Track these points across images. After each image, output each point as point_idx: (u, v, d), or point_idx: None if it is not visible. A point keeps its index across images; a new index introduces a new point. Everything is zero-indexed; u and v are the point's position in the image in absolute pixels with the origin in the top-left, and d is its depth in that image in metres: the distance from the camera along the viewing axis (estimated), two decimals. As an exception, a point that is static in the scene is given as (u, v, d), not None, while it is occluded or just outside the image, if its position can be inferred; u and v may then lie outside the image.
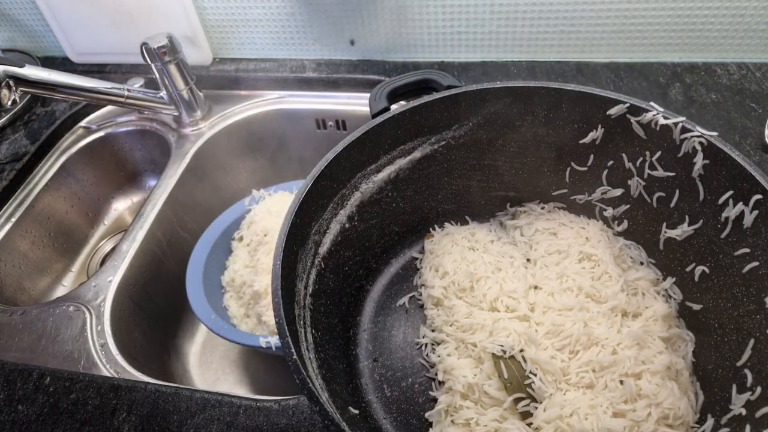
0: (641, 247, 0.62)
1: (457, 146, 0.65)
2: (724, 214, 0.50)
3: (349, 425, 0.41)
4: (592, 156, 0.61)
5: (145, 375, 0.61)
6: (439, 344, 0.59)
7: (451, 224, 0.72)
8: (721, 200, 0.50)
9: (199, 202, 0.92)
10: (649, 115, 0.54)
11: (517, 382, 0.51)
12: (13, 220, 0.85)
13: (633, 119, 0.55)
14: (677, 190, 0.55)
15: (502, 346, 0.53)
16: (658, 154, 0.55)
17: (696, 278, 0.54)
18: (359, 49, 0.97)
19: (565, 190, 0.66)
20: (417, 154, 0.64)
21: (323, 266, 0.58)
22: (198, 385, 0.83)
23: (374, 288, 0.68)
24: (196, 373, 0.84)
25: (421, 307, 0.65)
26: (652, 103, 0.54)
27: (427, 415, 0.55)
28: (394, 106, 0.62)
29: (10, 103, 0.71)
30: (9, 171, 0.88)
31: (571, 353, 0.52)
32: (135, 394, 0.57)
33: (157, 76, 0.86)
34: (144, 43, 0.81)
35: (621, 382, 0.49)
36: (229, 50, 1.02)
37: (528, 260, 0.63)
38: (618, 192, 0.61)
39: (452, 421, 0.52)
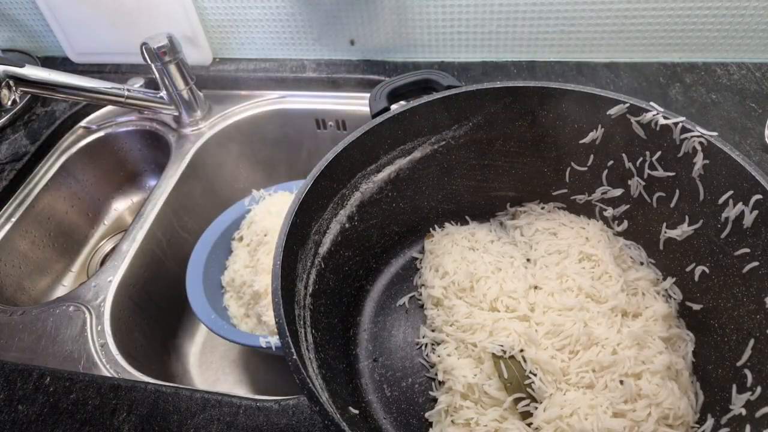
0: (641, 247, 0.62)
1: (457, 146, 0.65)
2: (724, 214, 0.50)
3: (349, 425, 0.41)
4: (592, 156, 0.61)
5: (145, 375, 0.61)
6: (439, 344, 0.59)
7: (451, 224, 0.72)
8: (721, 200, 0.50)
9: (199, 202, 0.92)
10: (649, 115, 0.54)
11: (517, 382, 0.51)
12: (13, 220, 0.85)
13: (633, 119, 0.55)
14: (677, 190, 0.55)
15: (502, 346, 0.53)
16: (658, 154, 0.55)
17: (696, 278, 0.54)
18: (359, 49, 0.97)
19: (565, 190, 0.66)
20: (417, 154, 0.64)
21: (323, 266, 0.58)
22: (198, 385, 0.83)
23: (374, 288, 0.68)
24: (196, 373, 0.84)
25: (421, 307, 0.65)
26: (652, 103, 0.54)
27: (427, 415, 0.55)
28: (394, 106, 0.62)
29: (10, 103, 0.71)
30: (9, 171, 0.88)
31: (571, 353, 0.52)
32: (135, 394, 0.57)
33: (157, 76, 0.86)
34: (144, 43, 0.81)
35: (621, 382, 0.49)
36: (229, 50, 1.02)
37: (528, 260, 0.63)
38: (618, 192, 0.61)
39: (452, 421, 0.52)
